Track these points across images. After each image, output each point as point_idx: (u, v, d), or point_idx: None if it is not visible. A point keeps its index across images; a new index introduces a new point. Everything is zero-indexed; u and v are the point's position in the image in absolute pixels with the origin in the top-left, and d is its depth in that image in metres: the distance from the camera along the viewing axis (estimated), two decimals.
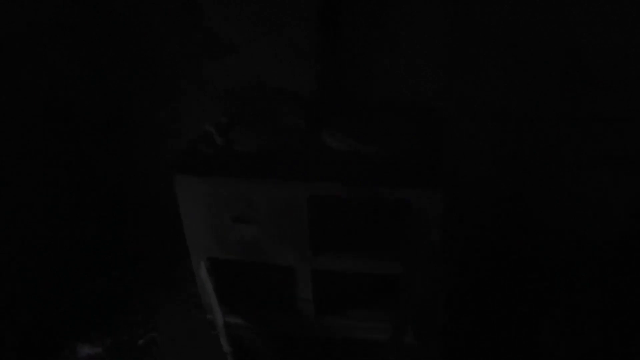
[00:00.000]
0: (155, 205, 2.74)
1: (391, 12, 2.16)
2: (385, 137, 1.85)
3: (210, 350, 2.03)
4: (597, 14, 2.02)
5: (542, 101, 2.24)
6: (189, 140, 1.94)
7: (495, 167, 2.39)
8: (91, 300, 2.41)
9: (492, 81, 2.22)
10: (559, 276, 2.44)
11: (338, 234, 1.94)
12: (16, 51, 2.18)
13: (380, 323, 2.01)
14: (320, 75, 2.01)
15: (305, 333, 2.08)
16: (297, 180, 1.72)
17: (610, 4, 1.99)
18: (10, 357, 2.08)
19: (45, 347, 2.14)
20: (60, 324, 2.25)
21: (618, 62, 2.10)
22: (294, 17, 2.19)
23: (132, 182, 2.83)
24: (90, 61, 2.48)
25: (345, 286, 2.06)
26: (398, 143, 1.82)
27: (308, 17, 2.12)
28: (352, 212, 1.98)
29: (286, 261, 1.89)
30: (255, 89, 2.12)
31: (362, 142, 1.80)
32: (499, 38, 2.13)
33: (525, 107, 2.26)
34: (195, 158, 1.85)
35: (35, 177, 2.41)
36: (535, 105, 2.25)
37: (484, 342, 2.12)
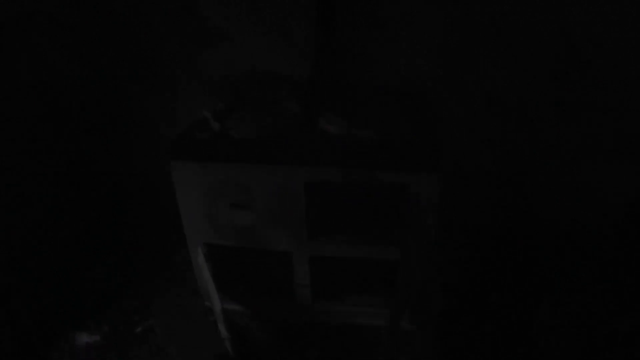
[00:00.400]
0: (151, 193, 2.74)
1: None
2: (382, 122, 1.85)
3: (208, 337, 2.04)
4: (591, 2, 2.02)
5: (537, 89, 2.24)
6: (185, 127, 1.94)
7: (491, 154, 2.39)
8: (88, 289, 2.41)
9: (487, 68, 2.21)
10: (555, 263, 2.45)
11: (335, 220, 1.94)
12: (7, 41, 2.17)
13: (377, 308, 2.02)
14: (315, 61, 2.01)
15: (302, 318, 2.08)
16: (294, 165, 1.72)
17: None
18: (9, 347, 2.08)
19: (43, 336, 2.14)
20: (58, 313, 2.25)
21: (613, 52, 2.10)
22: (289, 4, 2.19)
23: (128, 171, 2.82)
24: (83, 52, 2.47)
25: (342, 272, 2.07)
26: (394, 128, 1.82)
27: (303, 4, 2.11)
28: (349, 197, 1.98)
29: (283, 246, 1.90)
30: (251, 75, 2.11)
31: (359, 126, 1.80)
32: (493, 26, 2.13)
33: (520, 95, 2.26)
34: (191, 144, 1.84)
35: (29, 168, 2.40)
36: (531, 94, 2.25)
37: (479, 328, 2.13)
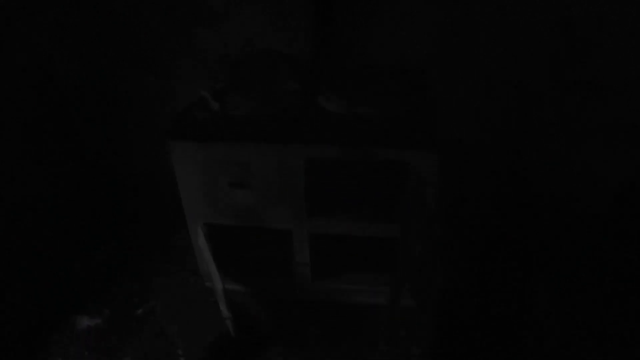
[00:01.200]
0: (149, 175, 2.74)
1: None
2: (381, 100, 1.85)
3: (209, 317, 2.05)
4: None
5: (536, 68, 2.24)
6: (183, 107, 1.94)
7: (489, 133, 2.40)
8: (88, 272, 2.41)
9: (485, 47, 2.22)
10: (553, 242, 2.47)
11: (335, 197, 1.95)
12: None
13: (377, 286, 2.04)
14: (314, 39, 2.00)
15: (302, 297, 2.10)
16: (294, 143, 1.73)
17: None
18: (10, 332, 2.08)
19: (44, 321, 2.14)
20: (58, 297, 2.25)
21: (612, 31, 2.11)
22: None
23: (127, 152, 2.82)
24: (78, 34, 2.46)
25: (342, 250, 2.08)
26: (393, 105, 1.82)
27: None
28: (349, 175, 1.99)
29: (283, 225, 1.91)
30: (249, 54, 2.10)
31: (358, 104, 1.80)
32: (492, 4, 2.13)
33: (519, 74, 2.27)
34: (190, 123, 1.84)
35: (26, 151, 2.39)
36: (529, 73, 2.26)
37: (478, 306, 2.15)
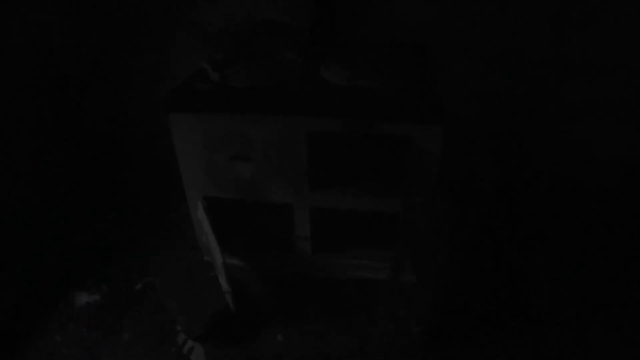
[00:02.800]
0: (149, 149, 2.71)
1: None
2: (383, 72, 1.82)
3: (208, 292, 2.03)
4: None
5: (537, 44, 2.22)
6: (183, 79, 1.91)
7: (489, 108, 2.38)
8: (86, 249, 2.40)
9: (487, 22, 2.19)
10: (553, 219, 2.47)
11: (336, 171, 1.93)
12: None
13: (378, 262, 2.03)
14: (314, 12, 1.96)
15: (302, 272, 2.09)
16: (295, 115, 1.71)
17: None
18: (9, 310, 2.06)
19: (43, 298, 2.12)
20: (56, 274, 2.24)
21: (614, 7, 2.08)
22: None
23: (126, 127, 2.79)
24: (76, 4, 2.41)
25: (343, 225, 2.06)
26: (396, 78, 1.79)
27: None
28: (350, 149, 1.97)
29: (284, 199, 1.89)
30: (249, 25, 2.06)
31: (360, 76, 1.77)
32: None
33: (520, 50, 2.24)
34: (190, 95, 1.81)
35: (26, 123, 2.37)
36: (531, 49, 2.23)
37: (477, 282, 2.14)
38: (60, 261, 2.31)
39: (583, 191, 2.52)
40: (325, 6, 2.00)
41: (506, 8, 2.14)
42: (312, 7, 1.97)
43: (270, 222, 2.05)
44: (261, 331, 1.95)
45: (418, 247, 1.86)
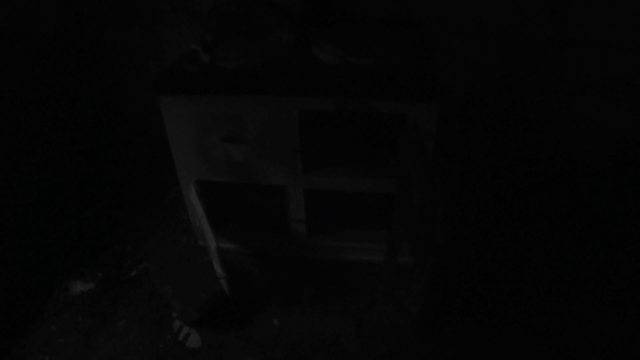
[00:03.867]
0: (140, 133, 2.68)
1: None
2: (377, 50, 1.79)
3: (203, 277, 2.01)
4: None
5: (534, 21, 2.19)
6: (173, 61, 1.87)
7: (488, 86, 2.35)
8: (79, 235, 2.37)
9: None
10: (550, 196, 2.46)
11: (330, 152, 1.91)
12: None
13: (374, 243, 2.01)
14: None
15: (297, 254, 2.07)
16: (288, 95, 1.67)
17: None
18: (3, 301, 2.04)
19: (37, 287, 2.10)
20: (50, 263, 2.21)
21: None
22: None
23: (116, 110, 2.75)
24: None
25: (338, 206, 2.04)
26: (390, 56, 1.76)
27: None
28: (344, 129, 1.94)
29: (277, 181, 1.86)
30: (240, 4, 2.02)
31: (354, 54, 1.73)
32: None
33: (517, 28, 2.21)
34: (180, 77, 1.76)
35: (14, 110, 2.32)
36: (528, 27, 2.20)
37: (475, 264, 2.13)
38: (53, 250, 2.29)
39: (582, 169, 2.50)
40: None
41: None
42: None
43: (264, 205, 2.02)
44: (257, 315, 1.94)
45: (414, 227, 1.84)
